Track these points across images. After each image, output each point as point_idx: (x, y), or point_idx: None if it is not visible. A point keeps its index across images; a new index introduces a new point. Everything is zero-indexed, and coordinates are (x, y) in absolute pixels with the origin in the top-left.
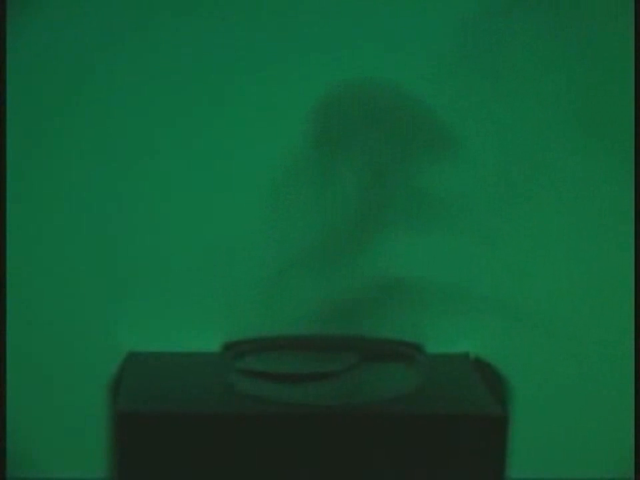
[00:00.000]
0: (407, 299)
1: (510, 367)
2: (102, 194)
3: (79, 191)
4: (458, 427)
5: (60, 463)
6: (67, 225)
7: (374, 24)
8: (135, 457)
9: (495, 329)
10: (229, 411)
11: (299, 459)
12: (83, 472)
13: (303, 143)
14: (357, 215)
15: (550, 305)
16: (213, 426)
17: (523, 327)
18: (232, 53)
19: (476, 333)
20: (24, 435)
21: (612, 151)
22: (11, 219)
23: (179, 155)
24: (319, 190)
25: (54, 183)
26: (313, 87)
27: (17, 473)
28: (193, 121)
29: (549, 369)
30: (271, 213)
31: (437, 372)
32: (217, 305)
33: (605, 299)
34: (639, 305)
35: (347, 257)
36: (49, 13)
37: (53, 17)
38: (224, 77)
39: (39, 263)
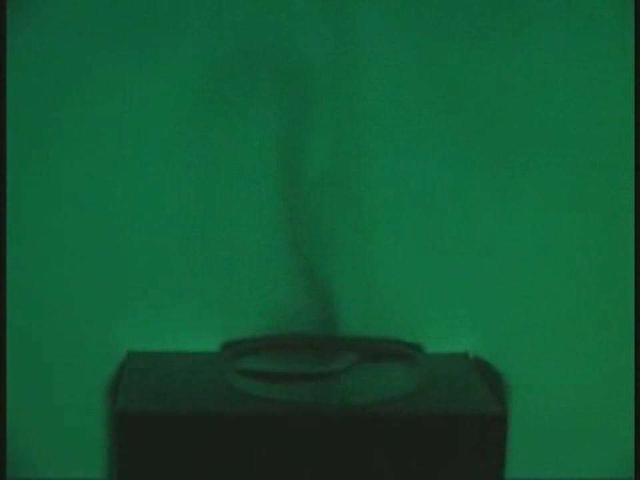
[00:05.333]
0: (406, 298)
1: (509, 366)
2: (101, 193)
3: (79, 190)
4: (457, 426)
5: (59, 462)
6: (66, 225)
7: None
8: (135, 456)
9: (495, 328)
10: (228, 411)
11: (299, 458)
12: (82, 472)
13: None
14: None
15: (550, 305)
16: (212, 425)
17: (523, 327)
18: (234, 51)
19: (475, 333)
20: (24, 435)
21: (612, 148)
22: (10, 218)
23: (179, 155)
24: (317, 191)
25: (54, 182)
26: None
27: (17, 473)
28: (194, 120)
29: (549, 369)
30: (271, 212)
31: (436, 371)
32: (216, 304)
33: (605, 298)
34: (639, 305)
35: (346, 256)
36: (48, 13)
37: (53, 17)
38: (225, 76)
39: (39, 262)
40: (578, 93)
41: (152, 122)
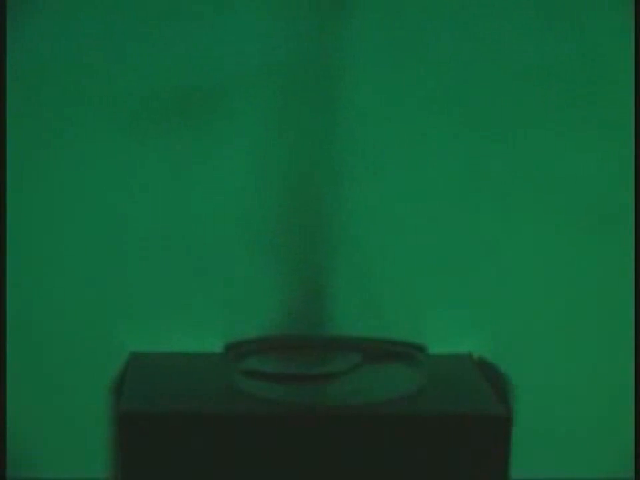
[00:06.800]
0: (409, 299)
1: (513, 366)
2: (102, 194)
3: (79, 191)
4: (461, 427)
5: (61, 463)
6: (67, 226)
7: None
8: (138, 457)
9: (498, 328)
10: (231, 411)
11: (300, 459)
12: (84, 472)
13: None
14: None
15: (553, 305)
16: (215, 426)
17: (526, 327)
18: (237, 51)
19: (479, 333)
20: (24, 435)
21: (613, 149)
22: (11, 219)
23: (180, 157)
24: (315, 188)
25: (54, 184)
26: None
27: (17, 473)
28: (194, 122)
29: (552, 369)
30: (272, 212)
31: (439, 372)
32: (218, 305)
33: (606, 298)
34: (639, 306)
35: (348, 255)
36: (48, 13)
37: (52, 17)
38: (228, 78)
39: (40, 263)
40: (579, 94)
41: (152, 122)
